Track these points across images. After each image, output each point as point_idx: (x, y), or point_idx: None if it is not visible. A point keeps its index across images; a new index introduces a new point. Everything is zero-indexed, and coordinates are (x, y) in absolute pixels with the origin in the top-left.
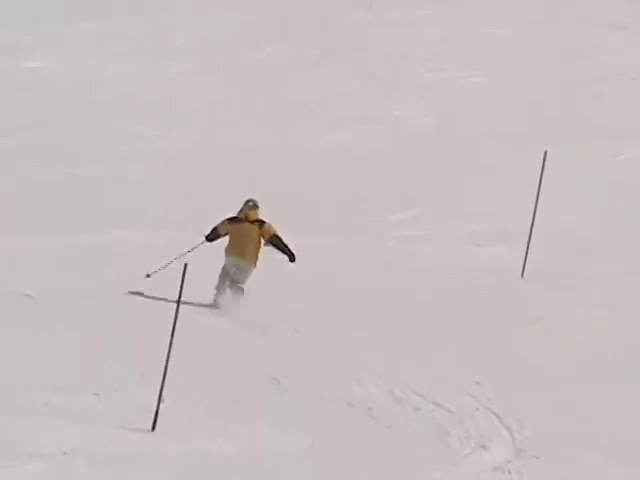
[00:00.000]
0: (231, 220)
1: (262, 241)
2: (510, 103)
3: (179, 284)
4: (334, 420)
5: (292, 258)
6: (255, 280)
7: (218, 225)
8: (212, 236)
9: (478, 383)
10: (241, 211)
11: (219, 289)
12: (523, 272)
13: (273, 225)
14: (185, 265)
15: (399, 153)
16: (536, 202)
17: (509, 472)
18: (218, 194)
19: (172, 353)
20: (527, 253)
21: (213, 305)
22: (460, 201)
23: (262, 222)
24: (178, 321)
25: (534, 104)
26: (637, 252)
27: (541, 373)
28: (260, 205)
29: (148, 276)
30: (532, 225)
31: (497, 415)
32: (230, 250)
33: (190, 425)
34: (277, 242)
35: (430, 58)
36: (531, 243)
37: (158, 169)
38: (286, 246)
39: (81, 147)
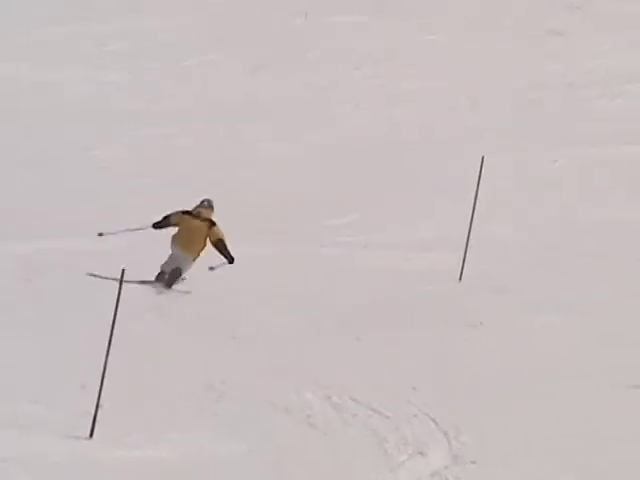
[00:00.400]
0: (185, 213)
1: (208, 240)
2: (447, 109)
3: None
4: (271, 427)
5: (231, 261)
6: (193, 286)
7: (171, 214)
8: (162, 223)
9: (415, 388)
10: (195, 208)
11: (163, 268)
12: (461, 277)
13: (221, 229)
14: (123, 271)
15: (335, 160)
16: (474, 207)
17: (447, 478)
18: (148, 201)
19: (110, 359)
20: (465, 258)
21: (155, 281)
22: (397, 207)
23: (212, 223)
24: (116, 327)
25: (471, 110)
26: (575, 258)
27: (479, 378)
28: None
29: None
30: (470, 230)
31: (434, 420)
32: (177, 241)
33: (128, 431)
34: (220, 246)
35: (365, 65)
36: (469, 249)
37: (93, 176)
38: (227, 251)
39: (14, 152)
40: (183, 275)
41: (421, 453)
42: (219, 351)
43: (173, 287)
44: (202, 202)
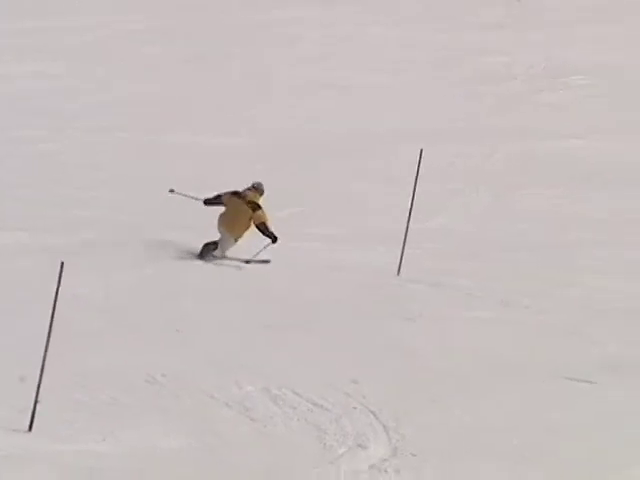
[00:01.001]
0: (234, 194)
1: (251, 223)
2: (386, 102)
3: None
4: (212, 420)
5: (274, 241)
6: (140, 279)
7: (222, 194)
8: (212, 201)
9: (355, 381)
10: (244, 190)
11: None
12: (399, 271)
13: (264, 212)
14: (62, 264)
15: (275, 153)
16: (412, 201)
17: (386, 471)
18: (87, 196)
19: (49, 353)
20: (403, 252)
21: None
22: (335, 201)
23: (256, 206)
24: (55, 320)
25: (412, 103)
26: (512, 250)
27: (419, 371)
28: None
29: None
30: (408, 224)
31: (374, 413)
32: (221, 220)
33: (67, 425)
34: (262, 228)
35: (312, 58)
36: (408, 242)
37: (32, 171)
38: (269, 232)
39: None
40: (221, 252)
41: (361, 446)
42: (161, 344)
43: (205, 259)
44: (252, 185)
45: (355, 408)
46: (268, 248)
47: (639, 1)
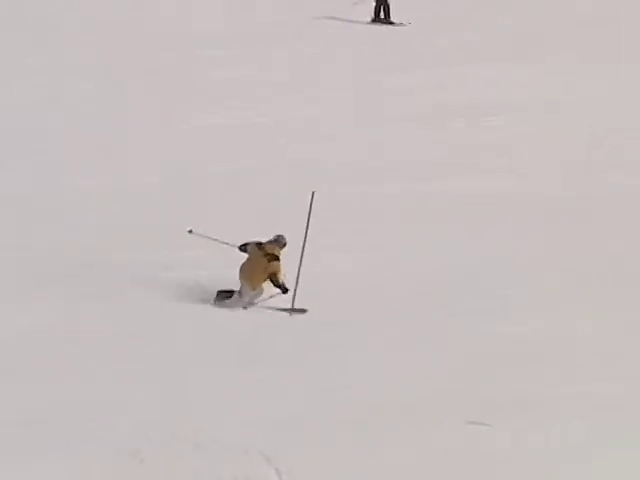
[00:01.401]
0: (257, 245)
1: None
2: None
3: None
4: (101, 465)
5: (284, 292)
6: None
7: (248, 243)
8: (241, 248)
9: (244, 423)
10: (267, 241)
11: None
12: (291, 312)
13: (278, 265)
14: None
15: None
16: (304, 243)
17: None
18: None
19: None
20: (296, 292)
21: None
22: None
23: (273, 258)
24: None
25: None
26: (412, 292)
27: (307, 411)
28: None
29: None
30: (300, 266)
31: (266, 457)
32: (242, 269)
33: None
34: (274, 279)
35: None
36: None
37: None
38: (279, 283)
39: None
40: (236, 303)
41: None
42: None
43: (217, 305)
44: (274, 237)
45: (247, 451)
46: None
47: (515, 39)
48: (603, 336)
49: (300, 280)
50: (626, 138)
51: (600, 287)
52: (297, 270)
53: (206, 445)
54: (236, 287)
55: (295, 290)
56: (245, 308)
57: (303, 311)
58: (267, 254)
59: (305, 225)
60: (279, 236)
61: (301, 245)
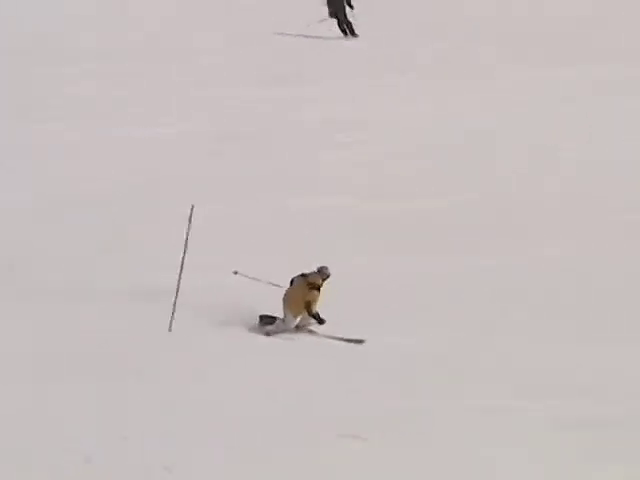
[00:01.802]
0: (301, 275)
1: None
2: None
3: None
4: None
5: (319, 322)
6: None
7: (295, 277)
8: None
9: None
10: (311, 272)
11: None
12: (170, 327)
13: (315, 294)
14: None
15: None
16: (183, 257)
17: None
18: None
19: None
20: (174, 309)
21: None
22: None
23: (313, 287)
24: None
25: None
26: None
27: (199, 427)
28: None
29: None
30: (179, 281)
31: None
32: (285, 297)
33: None
34: (306, 307)
35: None
36: (180, 300)
37: None
38: (312, 313)
39: None
40: (279, 329)
41: None
42: None
43: (259, 330)
44: (319, 268)
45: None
46: None
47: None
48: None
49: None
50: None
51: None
52: (177, 284)
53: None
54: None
55: (175, 302)
56: (268, 335)
57: (360, 342)
58: (309, 283)
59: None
60: (323, 267)
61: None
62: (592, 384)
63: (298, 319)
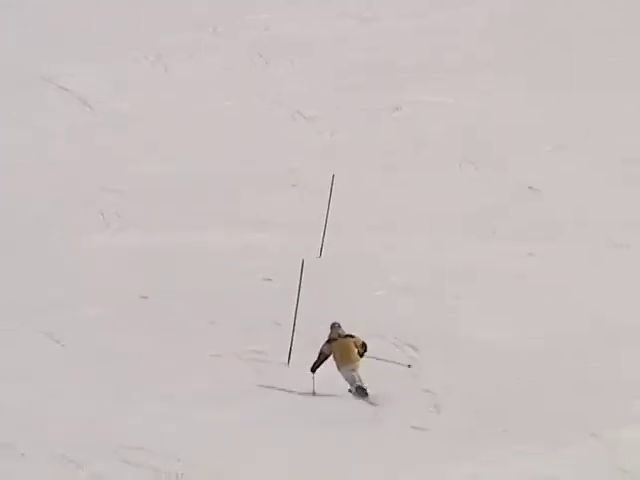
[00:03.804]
0: (330, 341)
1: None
2: None
3: None
4: None
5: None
6: None
7: (322, 350)
8: (320, 363)
9: None
10: (332, 333)
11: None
12: None
13: (329, 346)
14: None
15: None
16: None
17: None
18: None
19: None
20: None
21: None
22: None
23: (351, 336)
24: None
25: None
26: None
27: None
28: None
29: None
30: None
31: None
32: (344, 360)
33: None
34: (363, 348)
35: None
36: None
37: None
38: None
39: None
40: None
41: None
42: None
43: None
44: (334, 325)
45: None
46: None
47: None
48: None
49: None
50: None
51: None
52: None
53: None
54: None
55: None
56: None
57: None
58: (347, 336)
59: None
60: (337, 323)
61: None
62: None
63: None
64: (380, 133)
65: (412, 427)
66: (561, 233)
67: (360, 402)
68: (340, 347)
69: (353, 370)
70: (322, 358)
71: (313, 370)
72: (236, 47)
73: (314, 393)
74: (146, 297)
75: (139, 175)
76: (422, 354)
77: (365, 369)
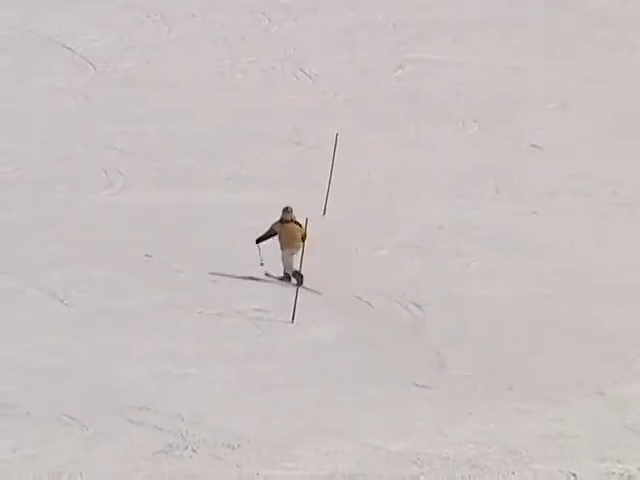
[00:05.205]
0: (282, 222)
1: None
2: None
3: None
4: None
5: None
6: None
7: (273, 226)
8: (266, 236)
9: None
10: (285, 215)
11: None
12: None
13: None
14: None
15: None
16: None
17: None
18: None
19: None
20: None
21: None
22: None
23: (299, 224)
24: None
25: None
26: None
27: None
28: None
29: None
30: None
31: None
32: (287, 244)
33: None
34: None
35: None
36: None
37: None
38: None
39: None
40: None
41: None
42: None
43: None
44: (286, 209)
45: None
46: None
47: None
48: None
49: None
50: None
51: None
52: None
53: None
54: None
55: None
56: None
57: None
58: (295, 222)
59: None
60: (289, 207)
61: None
62: None
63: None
64: (383, 91)
65: (416, 385)
66: (564, 191)
67: (365, 360)
68: (286, 230)
69: (293, 254)
70: (270, 234)
71: (257, 242)
72: (240, 6)
73: (262, 264)
74: (150, 256)
75: (142, 134)
76: (426, 312)
77: (371, 327)
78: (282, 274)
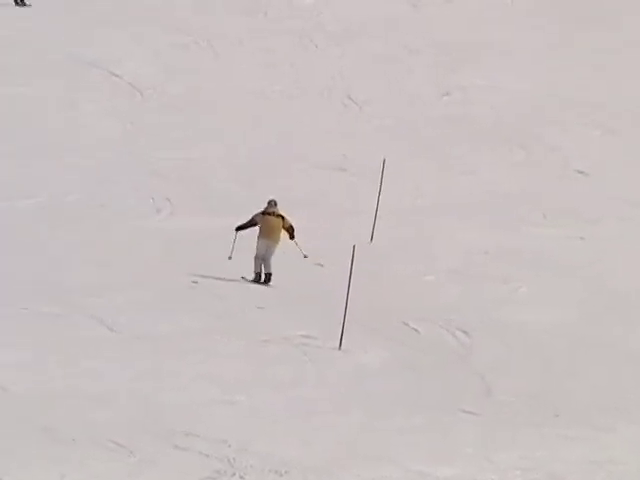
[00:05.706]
0: (263, 214)
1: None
2: None
3: None
4: None
5: (292, 238)
6: None
7: (254, 217)
8: (246, 226)
9: None
10: (268, 208)
11: (256, 265)
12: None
13: (289, 219)
14: None
15: None
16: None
17: None
18: None
19: None
20: None
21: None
22: None
23: (282, 216)
24: None
25: None
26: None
27: None
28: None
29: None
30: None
31: None
32: (263, 234)
33: None
34: (290, 231)
35: None
36: None
37: None
38: (293, 233)
39: None
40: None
41: None
42: None
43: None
44: (270, 202)
45: None
46: None
47: None
48: None
49: None
50: None
51: None
52: None
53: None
54: None
55: None
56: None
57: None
58: (278, 215)
59: None
60: (273, 200)
61: None
62: None
63: None
64: (429, 117)
65: (462, 411)
66: (610, 217)
67: (411, 386)
68: (266, 222)
69: (268, 246)
70: (250, 223)
71: (237, 230)
72: (287, 32)
73: (230, 257)
74: (196, 282)
75: (188, 159)
76: (472, 337)
77: (417, 353)
78: (253, 274)
